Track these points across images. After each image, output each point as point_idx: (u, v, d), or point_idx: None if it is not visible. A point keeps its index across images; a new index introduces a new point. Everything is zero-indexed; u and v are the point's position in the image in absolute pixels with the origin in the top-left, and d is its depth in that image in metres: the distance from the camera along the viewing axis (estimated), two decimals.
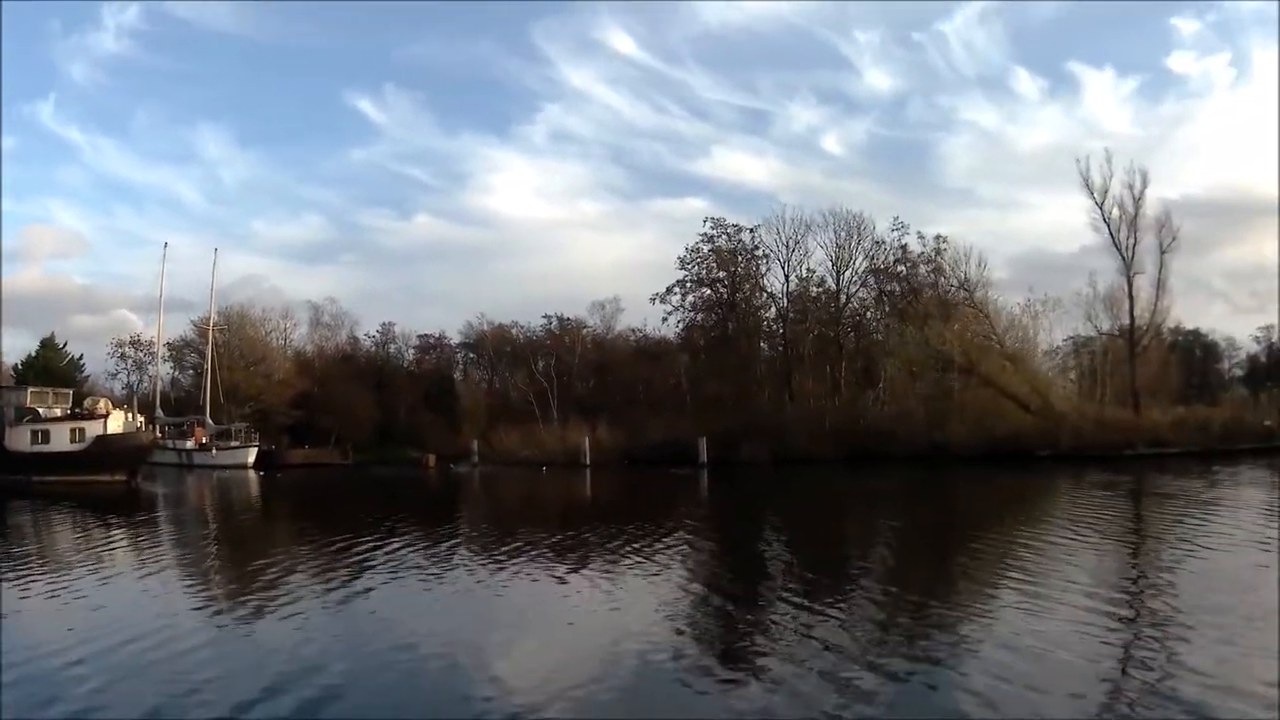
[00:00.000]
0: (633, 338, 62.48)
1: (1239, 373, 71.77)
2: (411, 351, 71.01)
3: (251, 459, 52.87)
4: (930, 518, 22.45)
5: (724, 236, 53.55)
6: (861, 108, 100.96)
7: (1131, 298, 45.19)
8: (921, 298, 49.54)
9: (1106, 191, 45.19)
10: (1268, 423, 40.62)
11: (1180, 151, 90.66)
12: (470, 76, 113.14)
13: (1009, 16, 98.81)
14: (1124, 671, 7.59)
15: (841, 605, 10.68)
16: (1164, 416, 41.73)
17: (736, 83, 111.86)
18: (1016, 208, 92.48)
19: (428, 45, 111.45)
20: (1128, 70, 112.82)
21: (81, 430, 39.60)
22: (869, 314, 52.96)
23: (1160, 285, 45.25)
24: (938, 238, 51.00)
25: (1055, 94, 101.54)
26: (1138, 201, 45.00)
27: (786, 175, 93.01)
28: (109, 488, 35.55)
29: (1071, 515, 20.17)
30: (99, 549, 18.39)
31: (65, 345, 66.51)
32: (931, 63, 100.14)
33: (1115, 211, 45.18)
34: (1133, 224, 44.88)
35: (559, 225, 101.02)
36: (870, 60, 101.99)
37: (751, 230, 53.01)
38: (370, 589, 12.27)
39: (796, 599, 11.08)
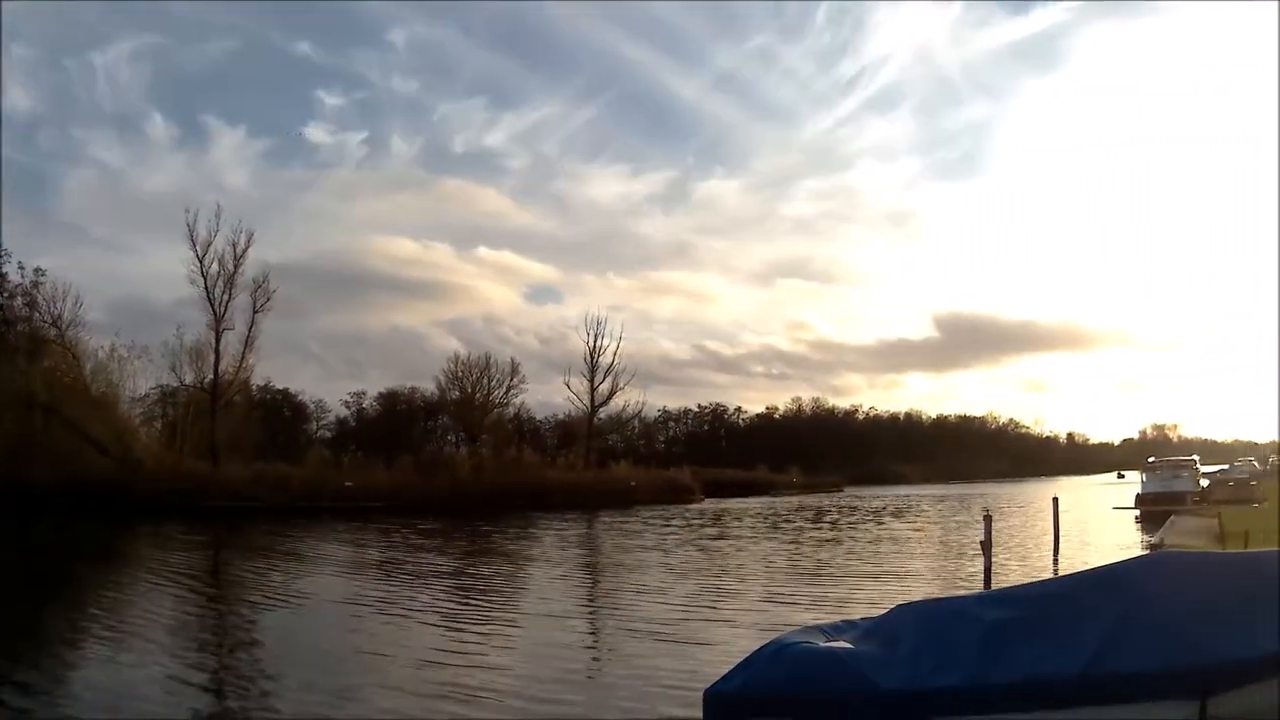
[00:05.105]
0: None
1: (328, 434, 73.11)
2: None
3: None
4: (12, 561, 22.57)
5: None
6: None
7: (218, 353, 45.36)
8: (14, 331, 46.87)
9: (210, 246, 45.27)
10: (349, 484, 42.62)
11: (299, 216, 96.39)
12: None
13: (160, 60, 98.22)
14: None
15: None
16: (244, 471, 41.99)
17: None
18: (125, 251, 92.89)
19: None
20: (261, 131, 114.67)
21: None
22: None
23: (249, 343, 46.10)
24: (37, 270, 47.80)
25: (185, 143, 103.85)
26: (239, 259, 45.58)
27: None
28: None
29: (155, 565, 21.11)
30: None
31: None
32: (74, 91, 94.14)
33: (215, 266, 45.28)
34: (230, 281, 45.39)
35: None
36: (20, 76, 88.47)
37: None
38: None
39: None
